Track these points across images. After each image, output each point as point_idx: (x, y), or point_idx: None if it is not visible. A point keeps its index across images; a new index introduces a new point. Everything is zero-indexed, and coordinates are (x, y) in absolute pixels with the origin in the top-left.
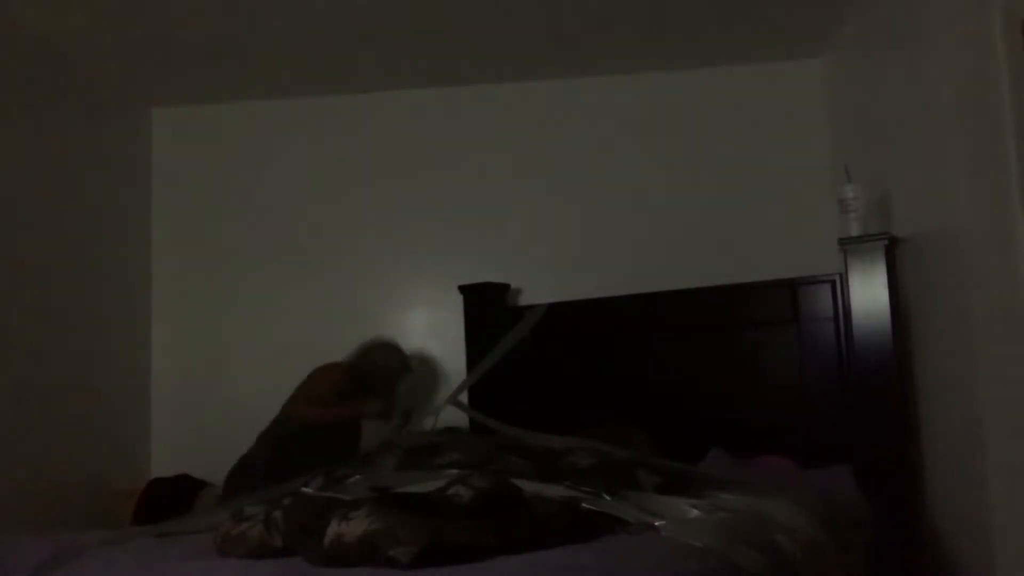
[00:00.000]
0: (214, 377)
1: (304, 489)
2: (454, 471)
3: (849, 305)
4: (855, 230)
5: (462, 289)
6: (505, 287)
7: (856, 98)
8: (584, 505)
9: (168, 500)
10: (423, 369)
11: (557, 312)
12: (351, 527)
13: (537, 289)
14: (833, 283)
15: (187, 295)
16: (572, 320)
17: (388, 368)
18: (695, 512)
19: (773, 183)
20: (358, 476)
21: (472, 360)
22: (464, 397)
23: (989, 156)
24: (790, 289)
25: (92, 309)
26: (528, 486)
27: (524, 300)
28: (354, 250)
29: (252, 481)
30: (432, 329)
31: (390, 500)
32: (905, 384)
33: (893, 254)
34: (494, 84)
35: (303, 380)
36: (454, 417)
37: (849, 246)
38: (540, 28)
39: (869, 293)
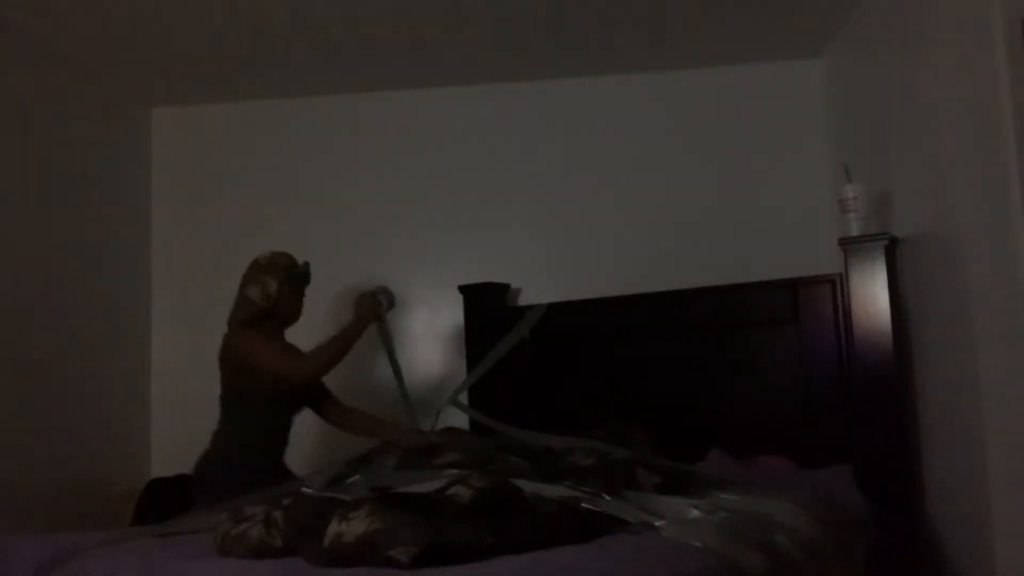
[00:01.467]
0: (214, 377)
1: (304, 489)
2: (454, 471)
3: (849, 305)
4: (855, 230)
5: (462, 289)
6: (505, 287)
7: (856, 98)
8: (584, 505)
9: (168, 500)
10: None
11: (557, 312)
12: (351, 527)
13: (537, 289)
14: (833, 283)
15: (187, 295)
16: (572, 320)
17: (275, 268)
18: (695, 512)
19: (773, 183)
20: (358, 476)
21: (472, 360)
22: (464, 397)
23: (989, 156)
24: (790, 289)
25: (92, 309)
26: (528, 486)
27: (524, 300)
28: (354, 250)
29: (227, 467)
30: (432, 329)
31: (390, 500)
32: (905, 384)
33: (893, 254)
34: (494, 84)
35: (231, 364)
36: (454, 417)
37: (849, 246)
38: (540, 28)
39: (869, 293)
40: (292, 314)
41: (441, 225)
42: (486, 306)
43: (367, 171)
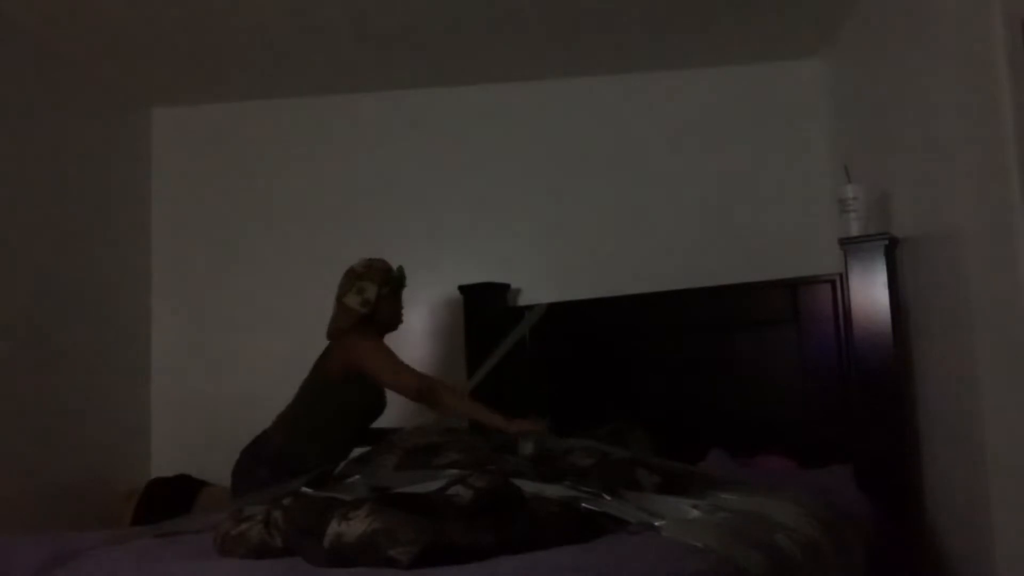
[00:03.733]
0: (214, 377)
1: (304, 489)
2: (454, 471)
3: (849, 305)
4: (855, 230)
5: (462, 289)
6: (505, 287)
7: (856, 98)
8: (584, 505)
9: (168, 500)
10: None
11: (557, 312)
12: (351, 527)
13: (537, 289)
14: (833, 283)
15: (187, 295)
16: (572, 320)
17: (373, 273)
18: (695, 512)
19: (773, 183)
20: (358, 476)
21: (472, 360)
22: None
23: (989, 156)
24: (790, 289)
25: (92, 309)
26: (528, 486)
27: (524, 300)
28: (354, 250)
29: (267, 454)
30: (432, 329)
31: (390, 500)
32: (905, 384)
33: (893, 254)
34: (494, 84)
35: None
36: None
37: (849, 246)
38: (540, 28)
39: (869, 293)
40: (393, 319)
41: (441, 225)
42: (486, 306)
43: (367, 171)
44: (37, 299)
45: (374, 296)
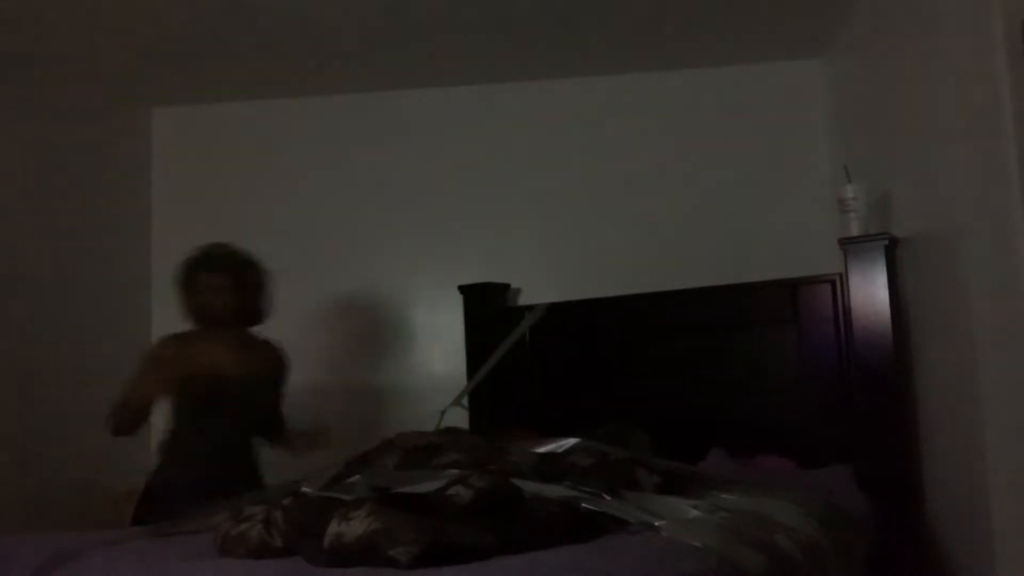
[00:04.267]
0: None
1: (304, 489)
2: (454, 471)
3: (849, 305)
4: (855, 230)
5: (462, 289)
6: (505, 287)
7: (856, 98)
8: (584, 505)
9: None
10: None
11: (557, 312)
12: (351, 527)
13: (537, 289)
14: (833, 283)
15: None
16: (572, 320)
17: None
18: (695, 512)
19: (773, 183)
20: (358, 476)
21: (472, 360)
22: (464, 398)
23: (989, 156)
24: (790, 289)
25: (92, 309)
26: (528, 486)
27: (524, 300)
28: (354, 250)
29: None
30: (432, 329)
31: (390, 500)
32: (905, 384)
33: (893, 254)
34: (493, 84)
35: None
36: (455, 418)
37: (849, 246)
38: (539, 28)
39: (869, 293)
40: (196, 313)
41: (441, 225)
42: (486, 306)
43: (367, 170)
44: (37, 299)
45: (181, 301)
